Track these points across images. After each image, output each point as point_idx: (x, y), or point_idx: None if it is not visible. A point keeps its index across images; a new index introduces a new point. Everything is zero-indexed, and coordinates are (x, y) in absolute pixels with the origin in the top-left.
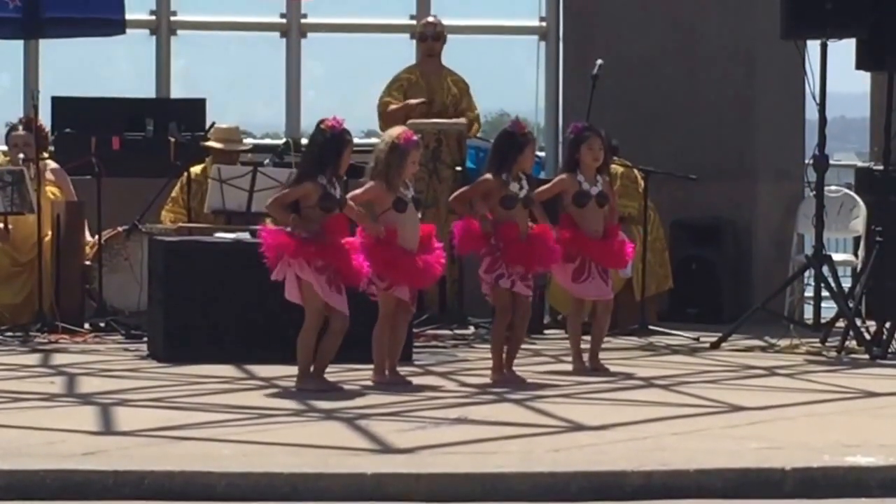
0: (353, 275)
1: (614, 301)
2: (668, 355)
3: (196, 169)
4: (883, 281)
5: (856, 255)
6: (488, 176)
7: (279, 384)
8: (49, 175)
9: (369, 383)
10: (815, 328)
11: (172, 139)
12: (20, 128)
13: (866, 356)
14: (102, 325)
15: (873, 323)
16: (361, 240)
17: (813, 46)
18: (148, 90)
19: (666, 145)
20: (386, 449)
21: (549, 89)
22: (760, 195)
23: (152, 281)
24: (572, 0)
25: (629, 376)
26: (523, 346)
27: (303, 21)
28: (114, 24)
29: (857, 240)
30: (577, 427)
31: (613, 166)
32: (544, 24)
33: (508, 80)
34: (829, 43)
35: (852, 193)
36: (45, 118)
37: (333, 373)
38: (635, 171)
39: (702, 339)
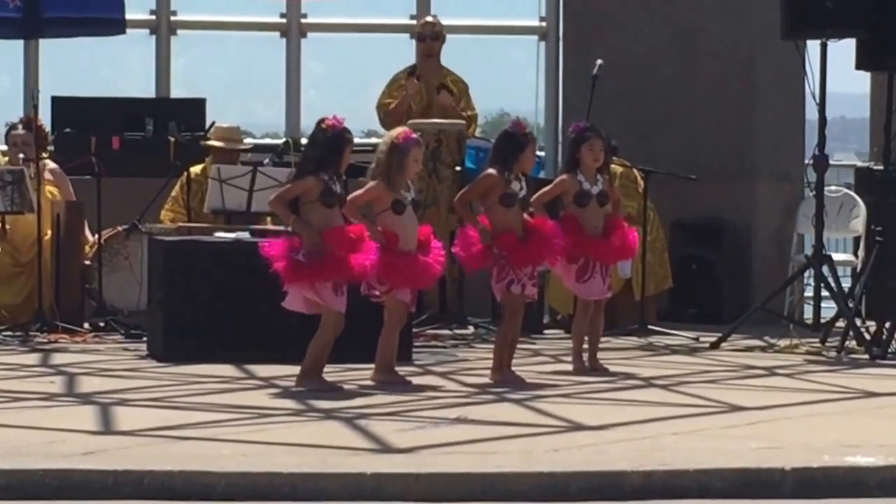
0: (355, 278)
1: (614, 301)
2: (667, 355)
3: (196, 169)
4: (883, 281)
5: (856, 255)
6: (491, 171)
7: (279, 384)
8: (48, 175)
9: (369, 383)
10: (814, 328)
11: (172, 139)
12: (20, 127)
13: (866, 356)
14: (102, 324)
15: (873, 323)
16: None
17: (813, 46)
18: (148, 90)
19: (666, 145)
20: (385, 449)
21: (549, 89)
22: (760, 195)
23: (152, 281)
24: (572, 0)
25: (629, 376)
26: (523, 346)
27: (303, 21)
28: (114, 24)
29: (857, 240)
30: (577, 427)
31: (613, 166)
32: (544, 24)
33: (508, 80)
34: (829, 43)
35: (852, 193)
36: (45, 118)
37: (333, 373)
38: (635, 171)
39: (701, 339)
